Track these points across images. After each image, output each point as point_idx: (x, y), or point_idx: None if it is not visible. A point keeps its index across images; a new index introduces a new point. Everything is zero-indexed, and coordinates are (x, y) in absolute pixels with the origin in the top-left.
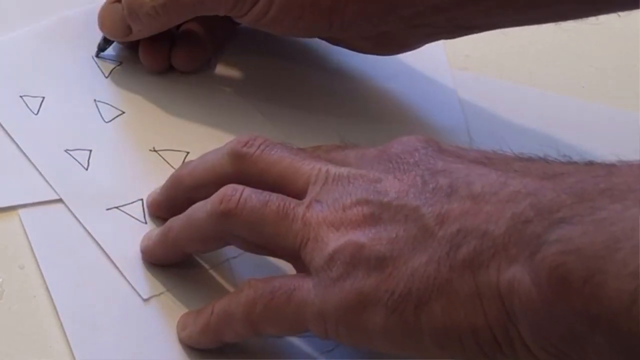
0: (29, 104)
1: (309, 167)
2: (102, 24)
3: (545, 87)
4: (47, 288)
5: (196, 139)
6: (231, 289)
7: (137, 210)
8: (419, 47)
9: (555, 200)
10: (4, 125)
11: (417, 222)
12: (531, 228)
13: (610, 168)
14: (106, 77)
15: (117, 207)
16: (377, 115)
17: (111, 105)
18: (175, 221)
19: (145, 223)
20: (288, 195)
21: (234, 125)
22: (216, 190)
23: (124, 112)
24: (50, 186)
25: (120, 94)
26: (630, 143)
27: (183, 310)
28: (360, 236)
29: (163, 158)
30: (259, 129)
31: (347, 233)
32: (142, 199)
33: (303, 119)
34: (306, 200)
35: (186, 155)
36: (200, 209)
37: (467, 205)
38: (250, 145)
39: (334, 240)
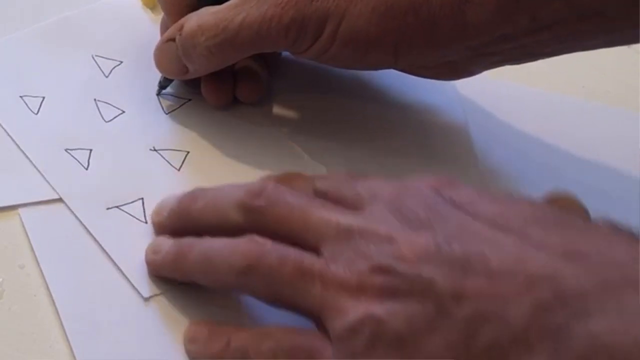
0: (29, 104)
1: (318, 220)
2: (158, 64)
3: (545, 87)
4: (47, 288)
5: (197, 139)
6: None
7: (138, 209)
8: (481, 72)
9: (579, 288)
10: (4, 125)
11: (433, 298)
12: (553, 318)
13: (637, 248)
14: (106, 77)
15: (117, 207)
16: (378, 115)
17: (111, 105)
18: (191, 253)
19: (146, 222)
20: (303, 248)
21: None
22: (226, 234)
23: (124, 112)
24: (51, 186)
25: (120, 93)
26: (630, 143)
27: (183, 310)
28: (379, 309)
29: (163, 157)
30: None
31: (365, 303)
32: (142, 198)
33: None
34: (321, 260)
35: (186, 155)
36: (219, 254)
37: (482, 283)
38: (260, 197)
39: (353, 310)
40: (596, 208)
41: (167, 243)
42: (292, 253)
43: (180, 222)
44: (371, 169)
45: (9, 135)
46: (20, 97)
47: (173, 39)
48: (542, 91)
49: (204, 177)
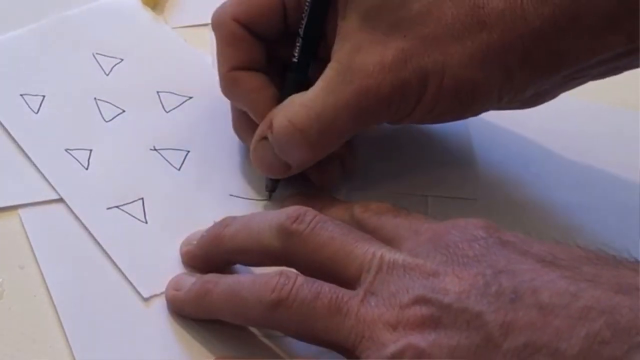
0: (29, 103)
1: (361, 252)
2: (258, 165)
3: None
4: (47, 288)
5: (197, 138)
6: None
7: (138, 209)
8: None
9: (634, 321)
10: (4, 124)
11: (480, 330)
12: (609, 351)
13: None
14: (106, 75)
15: (117, 207)
16: None
17: (111, 104)
18: (217, 288)
19: (146, 222)
20: (339, 279)
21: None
22: (258, 258)
23: (124, 111)
24: (51, 186)
25: (120, 92)
26: (630, 143)
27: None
28: (420, 340)
29: (163, 157)
30: None
31: (405, 335)
32: (142, 198)
33: None
34: (360, 292)
35: (186, 155)
36: (247, 288)
37: (533, 315)
38: (300, 221)
39: (392, 343)
40: (596, 208)
41: (190, 279)
42: (326, 287)
43: (211, 248)
44: (371, 169)
45: (9, 134)
46: (21, 96)
47: (265, 137)
48: None
49: (204, 176)
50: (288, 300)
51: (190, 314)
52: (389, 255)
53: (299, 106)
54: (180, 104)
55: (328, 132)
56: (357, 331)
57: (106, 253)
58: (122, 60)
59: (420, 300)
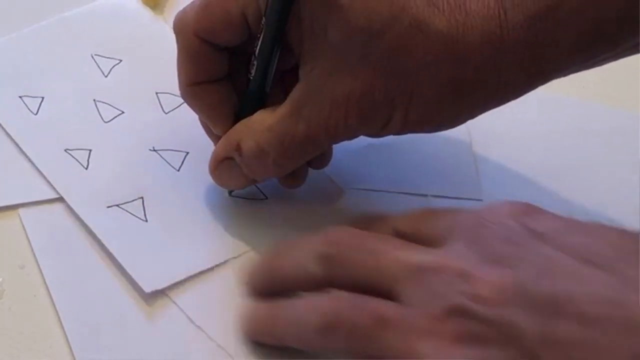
0: (28, 104)
1: (389, 262)
2: (219, 182)
3: (545, 87)
4: (47, 288)
5: (196, 139)
6: (233, 288)
7: (138, 208)
8: None
9: None
10: (3, 125)
11: (518, 344)
12: None
13: None
14: (105, 76)
15: (117, 205)
16: None
17: (110, 105)
18: (279, 316)
19: (146, 221)
20: (380, 293)
21: None
22: (308, 289)
23: (123, 112)
24: (51, 185)
25: (119, 93)
26: (630, 143)
27: (184, 309)
28: (458, 354)
29: (163, 158)
30: None
31: (443, 348)
32: (142, 197)
33: None
34: (397, 305)
35: (186, 155)
36: (299, 314)
37: (575, 329)
38: (334, 244)
39: (432, 356)
40: (596, 208)
41: (258, 307)
42: (369, 303)
43: (266, 284)
44: (370, 169)
45: (8, 135)
46: (20, 97)
47: (231, 158)
48: (542, 91)
49: (204, 177)
50: (335, 324)
51: (264, 342)
52: (417, 259)
53: (267, 132)
54: (180, 105)
55: (299, 156)
56: (398, 346)
57: (106, 253)
58: (120, 61)
59: (454, 311)
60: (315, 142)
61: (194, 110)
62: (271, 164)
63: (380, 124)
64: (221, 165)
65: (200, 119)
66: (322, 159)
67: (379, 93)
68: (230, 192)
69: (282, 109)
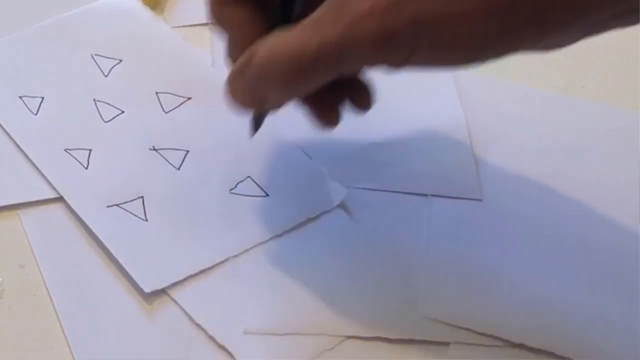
0: (28, 105)
1: None
2: (232, 95)
3: (545, 87)
4: (47, 288)
5: (196, 138)
6: (233, 287)
7: (138, 207)
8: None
9: None
10: (3, 125)
11: None
12: None
13: None
14: (105, 76)
15: (117, 205)
16: (377, 116)
17: (111, 105)
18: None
19: (146, 220)
20: None
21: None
22: None
23: (123, 112)
24: (51, 185)
25: (119, 93)
26: (630, 143)
27: (184, 308)
28: None
29: (163, 157)
30: None
31: None
32: (142, 197)
33: None
34: None
35: (186, 154)
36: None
37: None
38: None
39: None
40: (596, 208)
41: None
42: None
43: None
44: (370, 169)
45: (8, 135)
46: (20, 97)
47: (245, 69)
48: (542, 91)
49: (204, 176)
50: None
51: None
52: None
53: (282, 40)
54: (179, 105)
55: (307, 70)
56: None
57: (106, 252)
58: (120, 61)
59: None
60: (327, 61)
61: (221, 31)
62: (277, 75)
63: (407, 50)
64: (236, 77)
65: (226, 45)
66: (365, 95)
67: (406, 9)
68: (253, 133)
69: (302, 24)
